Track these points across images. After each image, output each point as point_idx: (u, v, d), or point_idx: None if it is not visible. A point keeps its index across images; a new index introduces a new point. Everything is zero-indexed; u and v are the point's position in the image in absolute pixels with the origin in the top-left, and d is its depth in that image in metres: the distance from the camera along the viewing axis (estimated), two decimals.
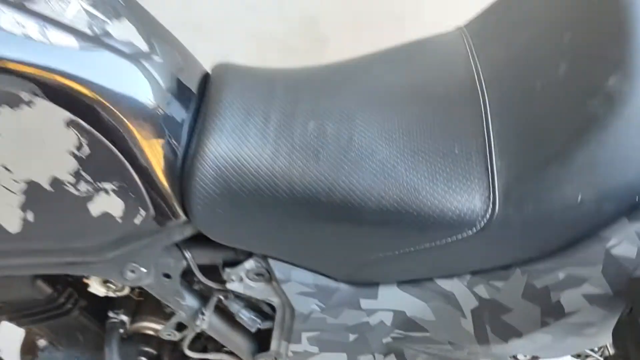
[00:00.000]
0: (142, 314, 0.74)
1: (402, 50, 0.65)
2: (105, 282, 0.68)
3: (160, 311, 0.73)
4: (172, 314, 0.68)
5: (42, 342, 0.82)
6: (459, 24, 0.68)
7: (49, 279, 0.69)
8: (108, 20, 0.52)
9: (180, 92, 0.57)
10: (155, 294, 0.63)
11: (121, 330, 0.73)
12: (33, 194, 0.50)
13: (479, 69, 0.58)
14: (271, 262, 0.58)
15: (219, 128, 0.55)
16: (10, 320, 0.76)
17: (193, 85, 0.60)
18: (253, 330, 0.64)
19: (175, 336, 0.69)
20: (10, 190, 0.50)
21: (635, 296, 0.45)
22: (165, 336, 0.69)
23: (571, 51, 0.51)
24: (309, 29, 1.63)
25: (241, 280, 0.60)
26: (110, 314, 0.73)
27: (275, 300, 0.61)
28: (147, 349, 0.76)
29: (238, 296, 0.63)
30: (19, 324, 0.77)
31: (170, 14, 1.00)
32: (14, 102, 0.46)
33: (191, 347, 0.69)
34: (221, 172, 0.53)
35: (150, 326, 0.74)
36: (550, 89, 0.51)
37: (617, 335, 0.47)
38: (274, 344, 0.64)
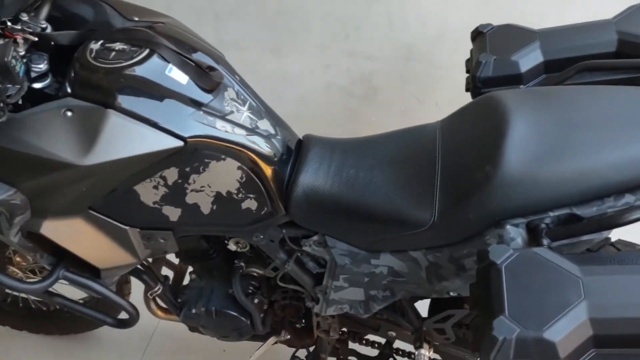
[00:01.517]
0: (251, 263, 1.32)
1: (402, 131, 1.20)
2: (236, 242, 1.27)
3: (262, 262, 1.31)
4: (269, 263, 1.26)
5: (192, 275, 1.42)
6: (439, 120, 1.22)
7: (207, 239, 1.28)
8: (257, 119, 1.10)
9: (287, 150, 1.14)
10: (265, 250, 1.21)
11: (240, 271, 1.32)
12: (219, 197, 1.09)
13: (439, 145, 1.12)
14: (327, 237, 1.14)
15: (304, 169, 1.12)
16: (181, 259, 1.36)
17: (292, 146, 1.17)
18: (314, 272, 1.21)
19: (272, 274, 1.27)
20: (208, 195, 1.08)
21: (481, 259, 0.96)
22: (267, 274, 1.27)
23: (477, 147, 1.04)
24: (366, 81, 2.19)
25: (310, 245, 1.17)
26: (235, 262, 1.32)
27: (327, 257, 1.17)
28: (253, 282, 1.34)
29: (308, 254, 1.20)
30: (184, 261, 1.37)
31: (269, 69, 1.55)
32: (217, 159, 1.04)
33: (280, 281, 1.27)
34: (304, 191, 1.10)
35: (256, 270, 1.32)
36: (467, 163, 1.04)
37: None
38: (324, 281, 1.20)
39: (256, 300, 1.33)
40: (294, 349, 1.51)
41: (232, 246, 1.27)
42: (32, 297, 1.75)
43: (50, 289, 1.19)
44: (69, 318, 1.76)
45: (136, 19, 1.14)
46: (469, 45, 1.42)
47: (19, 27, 1.01)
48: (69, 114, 0.95)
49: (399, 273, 1.13)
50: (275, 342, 1.46)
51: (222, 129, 1.03)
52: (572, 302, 0.80)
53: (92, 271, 1.19)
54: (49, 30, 1.06)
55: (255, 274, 1.33)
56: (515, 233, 0.96)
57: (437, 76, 2.16)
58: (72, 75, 0.99)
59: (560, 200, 0.95)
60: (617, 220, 0.89)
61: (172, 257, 1.49)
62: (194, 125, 1.01)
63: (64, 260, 1.16)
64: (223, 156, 1.04)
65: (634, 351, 0.80)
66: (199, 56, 1.09)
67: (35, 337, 1.83)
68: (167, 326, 1.86)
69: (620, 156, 0.94)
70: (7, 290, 1.67)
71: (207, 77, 1.05)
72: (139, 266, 1.35)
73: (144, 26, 1.10)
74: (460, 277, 1.07)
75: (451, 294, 1.12)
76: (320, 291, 1.23)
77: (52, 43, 1.06)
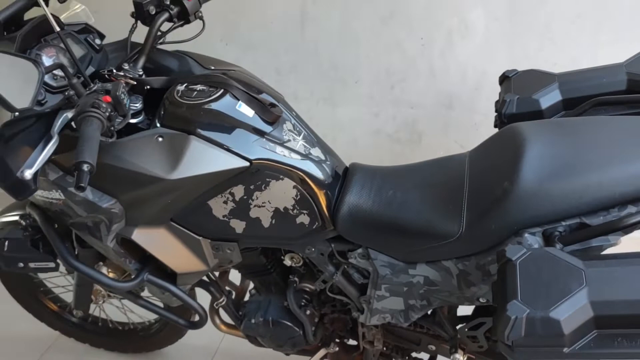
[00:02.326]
0: (304, 279, 1.49)
1: (435, 160, 1.38)
2: (291, 258, 1.45)
3: (313, 278, 1.48)
4: (318, 277, 1.43)
5: (252, 291, 1.60)
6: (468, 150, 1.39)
7: (266, 254, 1.47)
8: (310, 147, 1.31)
9: (335, 174, 1.34)
10: (315, 262, 1.39)
11: (294, 286, 1.49)
12: (277, 212, 1.28)
13: (467, 170, 1.29)
14: (369, 250, 1.31)
15: (350, 190, 1.31)
16: (244, 275, 1.55)
17: (340, 171, 1.36)
18: (359, 283, 1.37)
19: (321, 286, 1.44)
20: (268, 210, 1.28)
21: (499, 259, 1.10)
22: (317, 286, 1.44)
23: (498, 168, 1.20)
24: (411, 127, 2.40)
25: (355, 257, 1.33)
26: (290, 277, 1.49)
27: (370, 269, 1.33)
28: (306, 296, 1.51)
29: (353, 266, 1.36)
30: (246, 276, 1.55)
31: (323, 116, 1.76)
32: (276, 178, 1.24)
33: (329, 292, 1.44)
34: (350, 208, 1.29)
35: (308, 285, 1.49)
36: (490, 182, 1.20)
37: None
38: (368, 291, 1.36)
39: (308, 312, 1.49)
40: None
41: (287, 261, 1.45)
42: (110, 318, 1.98)
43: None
44: (142, 337, 1.97)
45: (212, 67, 1.39)
46: None
47: (122, 73, 1.28)
48: (160, 139, 1.19)
49: (433, 282, 1.28)
50: (325, 355, 1.60)
51: (280, 154, 1.24)
52: (575, 288, 0.93)
53: (170, 278, 1.40)
54: (144, 77, 1.33)
55: (307, 289, 1.50)
56: (533, 240, 1.10)
57: (476, 122, 2.35)
58: (162, 109, 1.24)
59: (571, 211, 1.10)
60: (619, 225, 1.03)
61: (235, 279, 1.69)
62: (258, 149, 1.22)
63: (148, 266, 1.37)
64: (281, 176, 1.24)
65: (632, 331, 0.92)
66: (263, 96, 1.32)
67: (111, 355, 2.03)
68: (228, 346, 2.04)
69: (622, 172, 1.08)
70: (88, 310, 1.89)
71: (269, 112, 1.28)
72: (206, 279, 1.55)
73: (219, 72, 1.35)
74: (486, 282, 1.21)
75: (481, 300, 1.26)
76: (365, 301, 1.38)
77: (146, 87, 1.31)
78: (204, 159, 1.19)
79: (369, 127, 2.42)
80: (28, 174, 0.99)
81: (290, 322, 1.50)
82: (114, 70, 1.28)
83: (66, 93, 1.14)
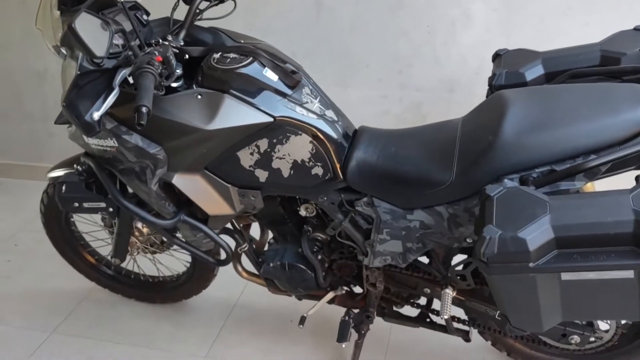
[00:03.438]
0: (316, 229, 1.71)
1: (433, 124, 1.59)
2: (306, 208, 1.67)
3: (324, 228, 1.70)
4: (329, 226, 1.65)
5: (271, 240, 1.82)
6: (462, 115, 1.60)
7: (283, 206, 1.69)
8: (325, 109, 1.53)
9: (346, 134, 1.55)
10: (327, 210, 1.60)
11: (308, 234, 1.71)
12: (295, 164, 1.50)
13: (459, 130, 1.50)
14: (374, 198, 1.52)
15: (358, 147, 1.53)
16: (265, 224, 1.77)
17: (350, 132, 1.58)
18: (364, 228, 1.59)
19: (332, 232, 1.65)
20: (288, 162, 1.50)
21: (481, 197, 1.30)
22: (328, 232, 1.66)
23: (484, 126, 1.41)
24: (416, 108, 2.61)
25: (361, 205, 1.55)
26: (304, 227, 1.71)
27: (374, 215, 1.55)
28: (317, 243, 1.72)
29: (359, 213, 1.58)
30: (265, 226, 1.77)
31: (335, 98, 1.98)
32: (295, 134, 1.46)
33: (338, 237, 1.65)
34: (358, 162, 1.50)
35: (319, 235, 1.71)
36: (477, 136, 1.41)
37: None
38: (372, 235, 1.57)
39: (319, 257, 1.71)
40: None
41: (302, 212, 1.67)
42: (143, 271, 2.21)
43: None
44: (170, 289, 2.19)
45: (242, 41, 1.61)
46: None
47: (167, 43, 1.50)
48: (199, 97, 1.41)
49: (428, 226, 1.49)
50: (333, 297, 1.81)
51: (300, 113, 1.46)
52: (540, 215, 1.14)
53: (202, 220, 1.63)
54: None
55: (318, 238, 1.72)
56: (511, 185, 1.31)
57: (475, 104, 2.54)
58: (201, 73, 1.46)
59: (544, 160, 1.31)
60: (580, 168, 1.24)
61: (255, 234, 1.91)
62: (281, 108, 1.44)
63: (183, 209, 1.60)
64: (299, 132, 1.46)
65: (586, 250, 1.12)
66: (285, 65, 1.54)
67: (141, 305, 2.26)
68: (246, 300, 2.26)
69: (587, 127, 1.28)
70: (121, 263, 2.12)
71: (291, 77, 1.50)
72: (231, 227, 1.78)
73: (249, 44, 1.58)
74: (472, 222, 1.42)
75: (468, 240, 1.47)
76: (369, 244, 1.59)
77: (185, 57, 1.54)
78: (236, 113, 1.41)
79: (378, 108, 2.63)
80: (96, 115, 1.22)
81: (304, 265, 1.72)
82: (160, 41, 1.51)
83: (125, 53, 1.37)
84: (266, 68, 1.47)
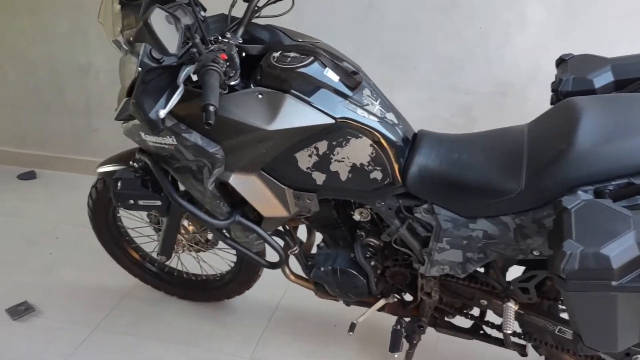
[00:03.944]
0: (369, 234, 1.66)
1: (496, 130, 1.53)
2: (360, 213, 1.62)
3: (378, 234, 1.65)
4: (384, 232, 1.60)
5: (320, 244, 1.78)
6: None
7: (337, 209, 1.64)
8: (386, 112, 1.48)
9: (406, 138, 1.50)
10: (383, 216, 1.55)
11: (361, 240, 1.66)
12: (354, 167, 1.45)
13: (526, 137, 1.44)
14: (434, 206, 1.47)
15: (419, 151, 1.48)
16: (316, 227, 1.73)
17: (409, 136, 1.53)
18: (422, 236, 1.53)
19: (387, 238, 1.61)
20: (346, 165, 1.45)
21: (556, 209, 1.24)
22: (384, 239, 1.61)
23: (555, 133, 1.35)
24: (465, 112, 2.54)
25: (420, 212, 1.50)
26: (357, 232, 1.67)
27: (433, 223, 1.50)
28: (370, 249, 1.68)
29: (418, 220, 1.53)
30: (317, 229, 1.73)
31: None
32: (356, 136, 1.42)
33: (394, 244, 1.60)
34: (419, 167, 1.45)
35: (373, 240, 1.66)
36: (548, 145, 1.35)
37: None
38: (430, 243, 1.52)
39: (372, 263, 1.66)
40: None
41: (356, 216, 1.63)
42: (186, 269, 2.19)
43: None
44: (213, 288, 2.17)
45: (299, 40, 1.57)
46: None
47: (226, 40, 1.47)
48: (260, 96, 1.38)
49: (491, 235, 1.43)
50: (384, 305, 1.76)
51: (361, 115, 1.42)
52: (623, 230, 1.08)
53: (255, 222, 1.60)
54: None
55: (371, 243, 1.67)
56: (585, 196, 1.25)
57: (528, 109, 2.46)
58: (260, 72, 1.42)
59: (620, 172, 1.24)
60: None
61: (302, 236, 1.87)
62: (342, 110, 1.40)
63: (237, 210, 1.57)
64: (360, 135, 1.41)
65: None
66: (345, 65, 1.50)
67: (182, 303, 2.25)
68: (288, 302, 2.23)
69: None
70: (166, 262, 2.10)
71: (352, 78, 1.45)
72: (281, 229, 1.74)
73: (307, 44, 1.54)
74: (541, 234, 1.36)
75: (534, 252, 1.41)
76: (426, 253, 1.54)
77: (244, 54, 1.51)
78: (297, 114, 1.37)
79: (426, 111, 2.57)
80: (162, 113, 1.19)
81: (356, 271, 1.67)
82: (220, 37, 1.48)
83: (190, 50, 1.34)
84: (327, 68, 1.43)
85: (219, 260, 2.17)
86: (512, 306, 1.52)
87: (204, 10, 1.60)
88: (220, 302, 2.23)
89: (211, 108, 1.15)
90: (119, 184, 1.54)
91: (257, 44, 1.57)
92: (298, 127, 1.37)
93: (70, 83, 3.04)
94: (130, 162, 1.56)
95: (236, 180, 1.48)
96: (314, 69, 1.41)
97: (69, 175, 3.26)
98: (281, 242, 1.75)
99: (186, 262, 2.20)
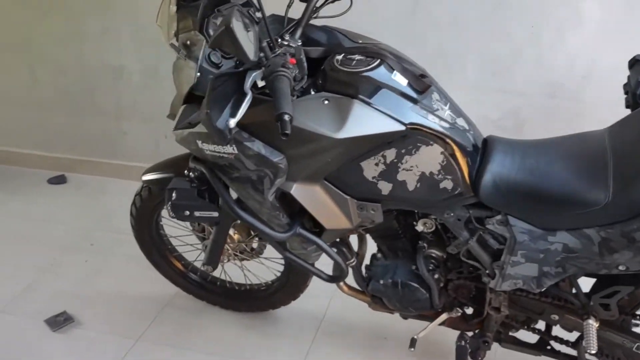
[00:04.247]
0: (432, 245, 1.58)
1: (573, 135, 1.44)
2: (424, 223, 1.53)
3: (441, 245, 1.56)
4: (448, 244, 1.51)
5: (379, 255, 1.69)
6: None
7: (398, 219, 1.56)
8: (456, 117, 1.39)
9: (476, 144, 1.41)
10: (452, 227, 1.46)
11: (423, 251, 1.58)
12: (423, 176, 1.37)
13: (608, 143, 1.34)
14: (509, 217, 1.38)
15: (492, 159, 1.39)
16: (374, 237, 1.64)
17: (479, 142, 1.44)
18: (494, 248, 1.44)
19: (454, 251, 1.52)
20: (415, 174, 1.36)
21: None
22: (451, 251, 1.52)
23: None
24: (514, 115, 2.44)
25: (493, 224, 1.41)
26: (419, 243, 1.58)
27: (507, 235, 1.40)
28: (433, 260, 1.59)
29: (489, 232, 1.44)
30: (377, 240, 1.64)
31: None
32: (426, 144, 1.33)
33: (462, 256, 1.51)
34: (493, 176, 1.36)
35: (435, 251, 1.58)
36: (637, 153, 1.26)
37: None
38: (503, 257, 1.43)
39: (436, 276, 1.58)
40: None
41: (419, 227, 1.54)
42: (230, 278, 2.12)
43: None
44: (258, 298, 2.09)
45: (360, 41, 1.49)
46: (614, 84, 1.65)
47: (285, 43, 1.39)
48: (326, 102, 1.29)
49: (572, 249, 1.34)
50: (446, 320, 1.68)
51: (432, 121, 1.33)
52: None
53: (315, 233, 1.52)
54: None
55: (434, 255, 1.58)
56: None
57: (581, 112, 2.37)
58: (324, 76, 1.34)
59: None
60: None
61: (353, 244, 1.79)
62: (412, 115, 1.31)
63: (297, 221, 1.49)
64: (431, 142, 1.33)
65: None
66: (413, 67, 1.42)
67: (224, 313, 2.17)
68: (334, 312, 2.15)
69: None
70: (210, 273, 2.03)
71: (421, 82, 1.37)
72: (337, 239, 1.66)
73: (369, 45, 1.45)
74: (630, 248, 1.26)
75: (620, 268, 1.31)
76: (498, 266, 1.45)
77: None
78: (366, 121, 1.29)
79: (473, 113, 2.41)
80: (232, 122, 1.11)
81: (418, 284, 1.59)
82: (279, 40, 1.40)
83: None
84: (394, 71, 1.35)
85: (263, 269, 2.09)
86: (593, 324, 1.43)
87: (258, 10, 1.52)
88: (264, 312, 2.16)
89: (286, 117, 1.07)
90: (175, 194, 1.47)
91: (314, 45, 1.49)
92: (367, 135, 1.29)
93: (101, 85, 2.97)
94: (185, 172, 1.49)
95: (298, 191, 1.40)
96: (381, 73, 1.33)
97: (99, 179, 3.20)
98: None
99: (229, 270, 2.12)
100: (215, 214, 1.49)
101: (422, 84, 1.37)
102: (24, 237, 2.67)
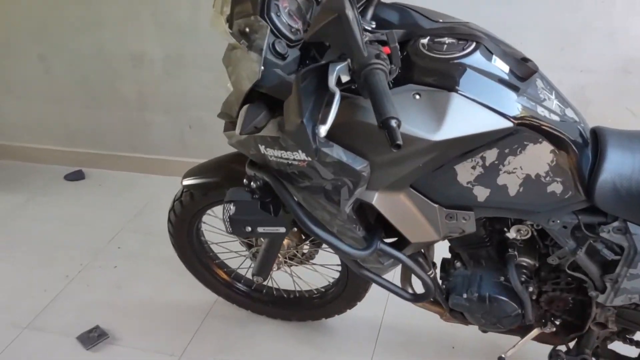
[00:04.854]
0: (523, 253, 1.37)
1: None
2: (518, 230, 1.33)
3: (532, 253, 1.36)
4: (543, 254, 1.31)
5: (457, 264, 1.49)
6: None
7: (485, 224, 1.35)
8: (564, 107, 1.18)
9: (586, 138, 1.20)
10: (555, 236, 1.26)
11: (514, 260, 1.37)
12: (527, 179, 1.15)
13: None
14: (629, 223, 1.18)
15: (608, 156, 1.17)
16: (454, 244, 1.43)
17: (587, 134, 1.22)
18: (609, 259, 1.24)
19: (555, 261, 1.31)
20: (518, 177, 1.15)
21: None
22: (550, 261, 1.32)
23: None
24: (579, 94, 2.22)
25: (609, 231, 1.20)
26: (509, 251, 1.37)
27: (625, 244, 1.20)
28: (525, 271, 1.39)
29: (602, 241, 1.23)
30: (457, 248, 1.43)
31: None
32: (535, 141, 1.11)
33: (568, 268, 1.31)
34: (612, 177, 1.15)
35: (526, 260, 1.37)
36: None
37: None
38: (618, 269, 1.23)
39: (530, 289, 1.38)
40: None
41: (512, 234, 1.33)
42: (277, 285, 1.93)
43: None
44: (311, 305, 1.90)
45: (440, 20, 1.26)
46: None
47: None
48: (417, 97, 1.08)
49: None
50: (538, 335, 1.48)
51: (542, 114, 1.12)
52: None
53: (395, 245, 1.31)
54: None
55: (525, 264, 1.38)
56: None
57: None
58: (409, 65, 1.12)
59: None
60: None
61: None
62: (520, 108, 1.10)
63: (377, 234, 1.28)
64: (540, 139, 1.11)
65: None
66: (511, 50, 1.20)
67: (273, 322, 1.99)
68: (392, 320, 1.96)
69: None
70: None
71: (525, 67, 1.15)
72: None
73: (455, 25, 1.23)
74: None
75: None
76: (611, 280, 1.25)
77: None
78: (468, 118, 1.07)
79: None
80: (323, 131, 0.89)
81: (509, 298, 1.39)
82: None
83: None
84: (494, 56, 1.13)
85: (312, 274, 1.90)
86: None
87: None
88: (315, 322, 1.97)
89: (394, 122, 0.86)
90: (234, 207, 1.26)
91: (387, 28, 1.26)
92: (471, 135, 1.08)
93: (121, 74, 2.75)
94: (245, 181, 1.27)
95: (380, 201, 1.20)
96: (480, 58, 1.11)
97: (122, 175, 3.00)
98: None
99: (276, 276, 1.93)
100: (283, 230, 1.29)
101: (526, 70, 1.15)
102: (47, 242, 2.48)
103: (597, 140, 1.23)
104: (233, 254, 1.92)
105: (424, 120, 1.07)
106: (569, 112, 1.19)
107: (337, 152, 1.10)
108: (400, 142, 0.85)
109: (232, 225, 1.29)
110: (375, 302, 1.99)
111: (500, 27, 2.15)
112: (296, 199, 1.24)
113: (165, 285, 2.19)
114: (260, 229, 1.29)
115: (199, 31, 2.52)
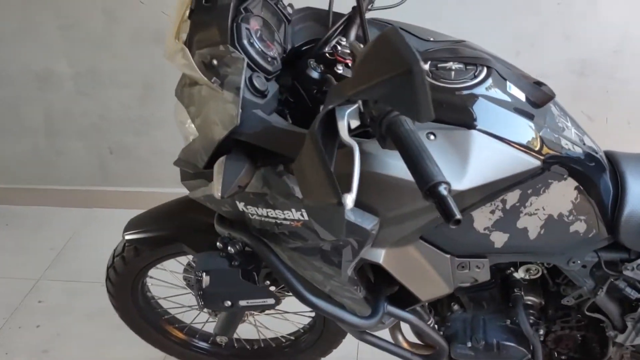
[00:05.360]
0: (528, 292, 1.24)
1: None
2: (527, 270, 1.19)
3: (537, 291, 1.23)
4: (554, 293, 1.18)
5: (455, 306, 1.33)
6: None
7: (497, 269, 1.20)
8: (582, 135, 1.04)
9: (605, 170, 1.06)
10: (569, 275, 1.13)
11: (521, 300, 1.23)
12: (549, 220, 1.01)
13: None
14: None
15: (628, 188, 1.04)
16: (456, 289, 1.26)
17: (606, 164, 1.08)
18: (632, 298, 1.12)
19: (570, 302, 1.18)
20: (539, 218, 1.00)
21: None
22: (566, 302, 1.19)
23: None
24: None
25: (633, 269, 1.08)
26: (515, 291, 1.23)
27: None
28: (532, 312, 1.25)
29: (626, 279, 1.11)
30: (457, 291, 1.27)
31: None
32: (559, 178, 0.96)
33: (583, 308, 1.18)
34: (637, 213, 1.03)
35: (532, 298, 1.23)
36: None
37: None
38: None
39: (541, 332, 1.25)
40: None
41: (520, 274, 1.19)
42: (237, 335, 1.69)
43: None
44: (279, 356, 1.68)
45: (431, 39, 1.09)
46: None
47: (347, 51, 0.97)
48: (432, 137, 0.89)
49: None
50: None
51: (566, 147, 0.97)
52: None
53: (400, 303, 1.12)
54: None
55: (531, 303, 1.25)
56: None
57: (609, 89, 2.11)
58: None
59: None
60: None
61: None
62: (544, 142, 0.95)
63: (381, 293, 1.09)
64: (565, 176, 0.97)
65: None
66: (520, 72, 1.05)
67: None
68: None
69: None
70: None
71: (541, 92, 1.00)
72: None
73: (449, 45, 1.06)
74: None
75: None
76: (633, 319, 1.14)
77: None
78: (494, 160, 0.91)
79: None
80: (350, 201, 0.68)
81: (518, 344, 1.25)
82: (339, 48, 0.98)
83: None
84: (508, 82, 0.97)
85: (279, 322, 1.68)
86: None
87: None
88: None
89: (444, 189, 0.66)
90: (209, 279, 1.01)
91: None
92: (499, 180, 0.91)
93: (26, 98, 2.37)
94: (218, 244, 1.03)
95: (389, 259, 1.00)
96: (493, 86, 0.95)
97: (33, 210, 2.61)
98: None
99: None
100: (272, 301, 1.06)
101: (541, 96, 1.00)
102: None
103: (613, 169, 1.10)
104: (185, 308, 1.65)
105: (444, 166, 0.88)
106: (587, 140, 1.05)
107: (345, 212, 0.89)
108: (459, 218, 0.65)
109: (206, 300, 1.04)
110: (346, 341, 1.80)
111: (455, 31, 2.02)
112: (285, 262, 1.02)
113: (100, 344, 1.88)
114: (242, 302, 1.05)
115: (115, 44, 2.20)
